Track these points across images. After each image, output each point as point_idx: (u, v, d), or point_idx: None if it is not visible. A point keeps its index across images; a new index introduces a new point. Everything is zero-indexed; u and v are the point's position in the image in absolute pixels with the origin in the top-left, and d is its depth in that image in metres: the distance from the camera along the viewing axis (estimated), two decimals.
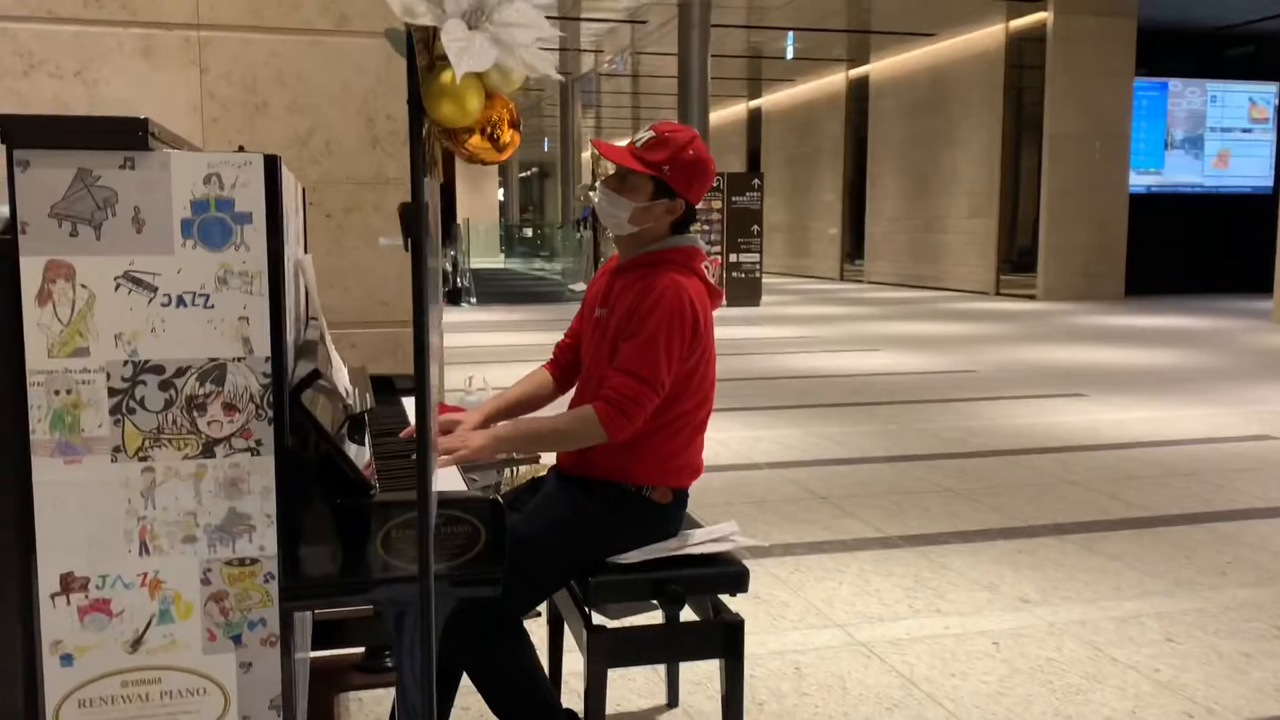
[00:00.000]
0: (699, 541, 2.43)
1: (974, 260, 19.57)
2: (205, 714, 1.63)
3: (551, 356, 2.71)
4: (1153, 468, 5.75)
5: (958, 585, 3.88)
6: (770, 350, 11.08)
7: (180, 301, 1.56)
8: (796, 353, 10.91)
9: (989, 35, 19.03)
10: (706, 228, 16.99)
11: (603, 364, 2.40)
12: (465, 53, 1.11)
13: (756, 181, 17.42)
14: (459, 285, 17.87)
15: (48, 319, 1.52)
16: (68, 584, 1.57)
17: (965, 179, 19.76)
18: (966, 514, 4.83)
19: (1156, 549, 4.31)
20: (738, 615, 2.41)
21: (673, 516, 2.45)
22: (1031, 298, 18.02)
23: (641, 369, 2.28)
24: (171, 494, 1.59)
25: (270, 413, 1.61)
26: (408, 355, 3.76)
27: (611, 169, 2.56)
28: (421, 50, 1.17)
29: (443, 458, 2.16)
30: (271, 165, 1.59)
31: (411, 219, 1.19)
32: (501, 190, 36.92)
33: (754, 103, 29.06)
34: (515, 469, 3.69)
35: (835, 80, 24.69)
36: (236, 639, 1.63)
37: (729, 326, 13.76)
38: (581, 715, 2.41)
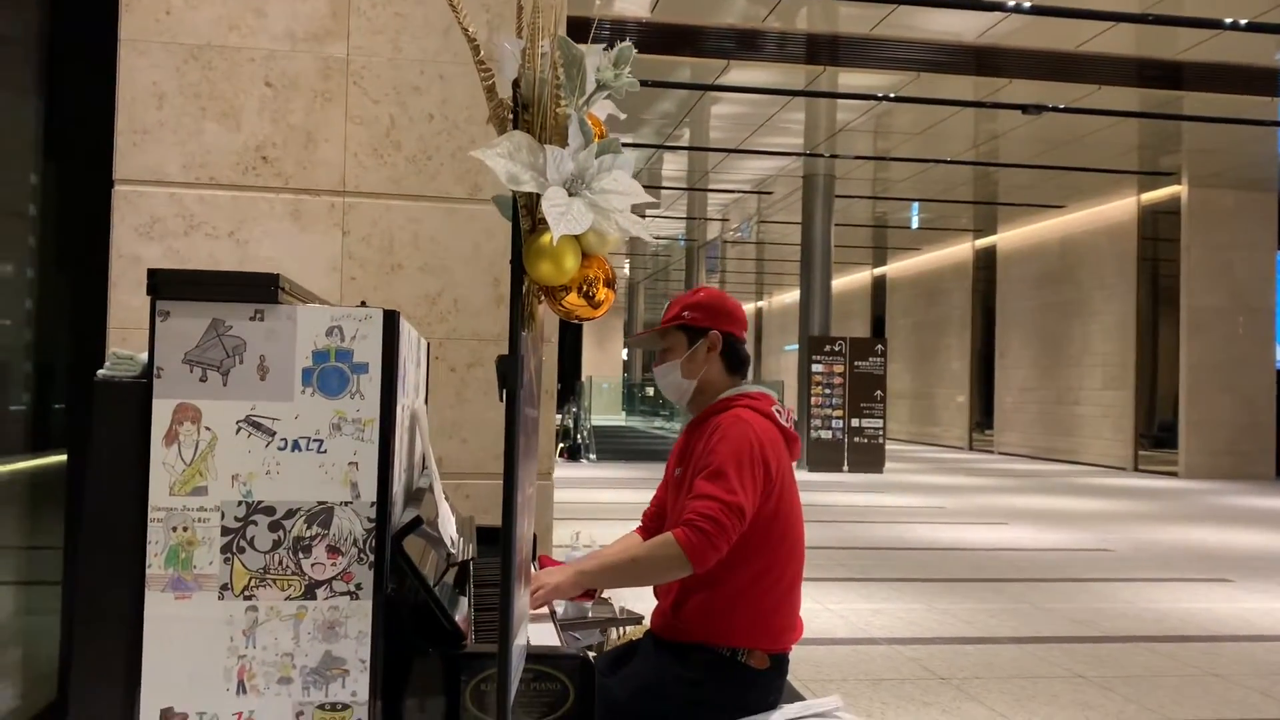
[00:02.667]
0: (801, 715, 2.33)
1: (1109, 434, 18.86)
2: None
3: (640, 524, 2.71)
4: None
5: None
6: (893, 519, 10.79)
7: (295, 446, 1.63)
8: (921, 523, 10.58)
9: (1121, 208, 18.85)
10: (828, 391, 16.91)
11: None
12: (564, 217, 1.18)
13: (880, 346, 17.35)
14: (579, 441, 18.07)
15: (172, 458, 1.61)
16: (167, 718, 1.59)
17: (1099, 350, 19.27)
18: (1099, 703, 4.52)
19: None
20: None
21: (772, 684, 2.36)
22: (1173, 474, 17.17)
23: (716, 491, 2.24)
24: (272, 634, 1.62)
25: (371, 557, 1.64)
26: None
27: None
28: (524, 214, 1.24)
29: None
30: (390, 320, 1.67)
31: (508, 371, 1.24)
32: (625, 349, 37.66)
33: (879, 270, 29.23)
34: (621, 629, 3.64)
35: (962, 249, 24.70)
36: None
37: (850, 493, 13.48)
38: None
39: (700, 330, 2.49)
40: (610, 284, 1.30)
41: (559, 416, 19.33)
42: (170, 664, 1.60)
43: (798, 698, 2.47)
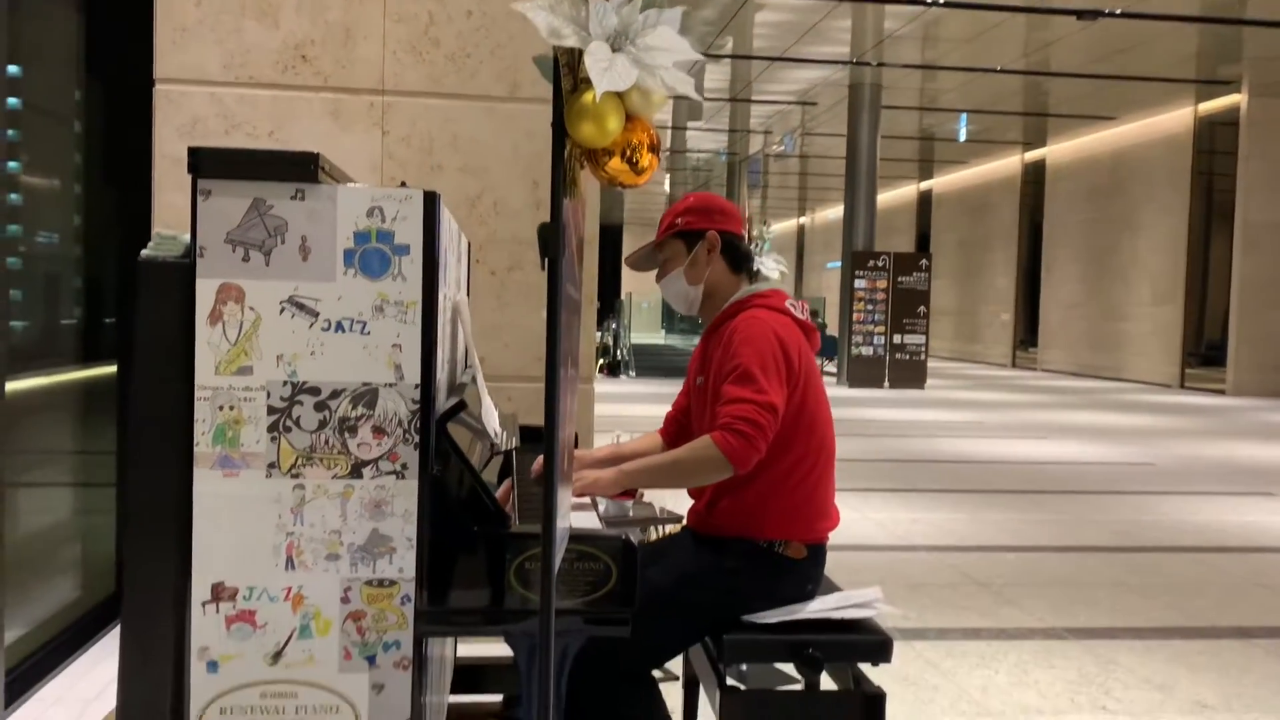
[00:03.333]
0: (839, 605, 2.34)
1: (1156, 351, 18.59)
2: None
3: (662, 427, 2.72)
4: None
5: (1127, 683, 3.61)
6: (934, 434, 10.76)
7: (339, 327, 1.64)
8: (962, 437, 10.54)
9: (1176, 118, 18.29)
10: (870, 307, 16.78)
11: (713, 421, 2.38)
12: (607, 73, 1.14)
13: (924, 262, 17.13)
14: (619, 358, 18.15)
15: (217, 338, 1.62)
16: (218, 593, 1.63)
17: (1148, 266, 18.90)
18: (1140, 610, 4.52)
19: None
20: (879, 687, 2.30)
21: (809, 574, 2.37)
22: (1220, 392, 16.92)
23: (747, 393, 2.23)
24: (319, 512, 1.64)
25: (416, 438, 1.66)
26: None
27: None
28: (566, 73, 1.21)
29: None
30: (430, 201, 1.66)
31: (549, 237, 1.22)
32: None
33: (924, 184, 28.72)
34: (661, 528, 3.68)
35: (1010, 163, 24.18)
36: (371, 660, 1.66)
37: (891, 408, 13.45)
38: None
39: (697, 233, 2.46)
40: (655, 149, 1.27)
41: (599, 334, 19.41)
42: (220, 540, 1.63)
43: (836, 589, 2.48)
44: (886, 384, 16.79)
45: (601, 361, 18.29)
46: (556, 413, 1.31)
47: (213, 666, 1.64)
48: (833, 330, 19.00)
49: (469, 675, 3.04)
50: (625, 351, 18.38)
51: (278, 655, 1.65)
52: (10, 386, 3.29)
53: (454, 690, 2.99)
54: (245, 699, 1.64)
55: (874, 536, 5.82)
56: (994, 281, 24.90)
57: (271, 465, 1.63)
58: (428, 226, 1.65)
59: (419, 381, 1.65)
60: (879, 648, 2.29)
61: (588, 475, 2.26)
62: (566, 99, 1.22)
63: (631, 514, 3.44)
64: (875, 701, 2.27)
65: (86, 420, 3.86)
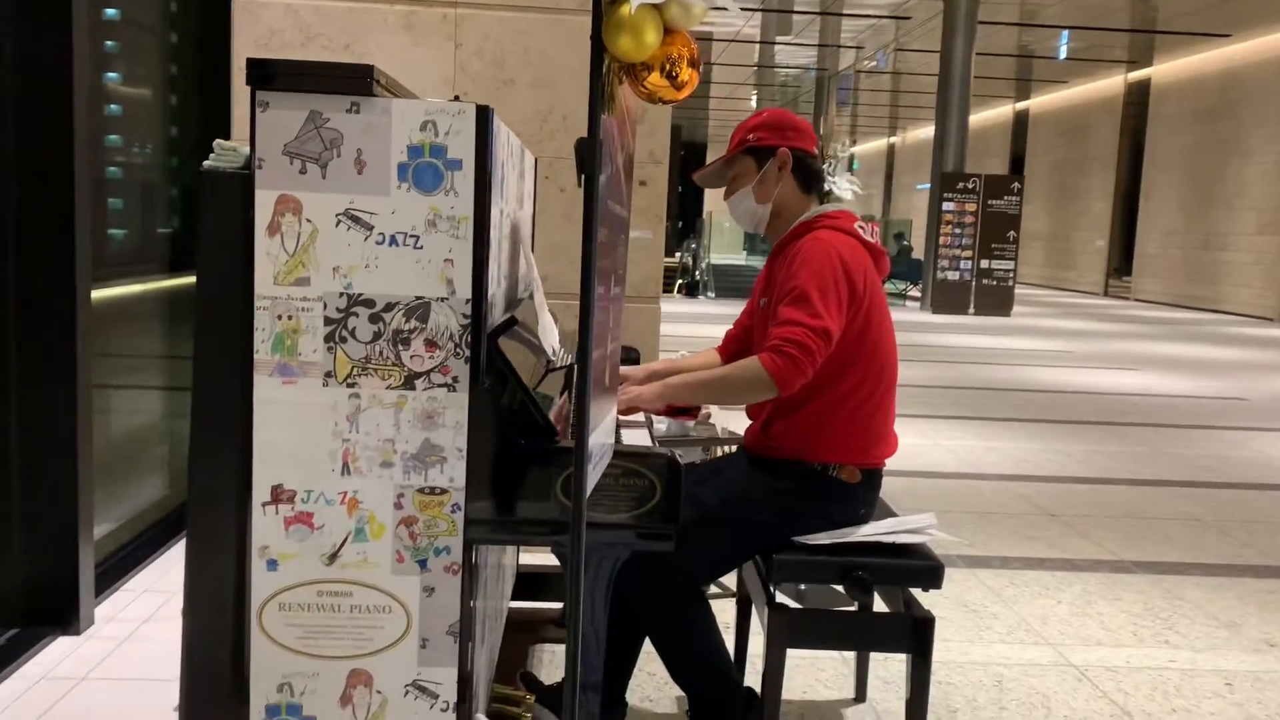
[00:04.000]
0: (892, 530, 2.35)
1: (1258, 282, 17.86)
2: (389, 631, 1.73)
3: (721, 344, 2.71)
4: None
5: (1193, 619, 3.56)
6: (1016, 362, 10.56)
7: (393, 241, 1.66)
8: (1045, 366, 10.33)
9: None
10: (958, 231, 16.39)
11: None
12: None
13: (1016, 185, 16.63)
14: (697, 278, 18.07)
15: (275, 249, 1.66)
16: (277, 495, 1.70)
17: (1254, 194, 18.06)
18: (1213, 546, 4.43)
19: None
20: (929, 612, 2.31)
21: (862, 498, 2.37)
22: None
23: (800, 316, 2.20)
24: (374, 420, 1.69)
25: (468, 352, 1.68)
26: (627, 327, 3.83)
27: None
28: None
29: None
30: (484, 115, 1.66)
31: (587, 154, 1.22)
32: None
33: (1020, 104, 27.72)
34: (722, 448, 3.70)
35: (1112, 83, 23.17)
36: (422, 563, 1.72)
37: (974, 335, 13.21)
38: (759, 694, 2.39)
39: (768, 150, 2.41)
40: (695, 64, 1.25)
41: (679, 254, 19.31)
42: (279, 445, 1.69)
43: (890, 514, 2.48)
44: (971, 310, 16.47)
45: (680, 281, 18.24)
46: (590, 329, 1.32)
47: (272, 565, 1.71)
48: (918, 254, 18.64)
49: (530, 582, 3.13)
50: (704, 272, 18.28)
51: (334, 556, 1.71)
52: (108, 293, 3.43)
53: (516, 596, 3.08)
54: (303, 596, 1.72)
55: (944, 463, 5.77)
56: (1089, 206, 24.08)
57: (328, 374, 1.68)
58: (480, 141, 1.65)
59: (470, 296, 1.67)
60: (930, 573, 2.29)
61: (631, 391, 2.28)
62: (605, 11, 1.20)
63: (693, 433, 3.47)
64: (924, 625, 2.28)
65: (174, 326, 4.01)
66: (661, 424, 3.44)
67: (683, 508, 1.77)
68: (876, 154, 38.35)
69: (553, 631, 3.07)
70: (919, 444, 6.19)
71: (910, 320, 15.05)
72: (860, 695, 2.86)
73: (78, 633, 2.90)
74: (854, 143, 37.52)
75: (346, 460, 1.70)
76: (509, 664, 2.69)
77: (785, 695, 2.75)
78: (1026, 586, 3.82)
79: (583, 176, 1.25)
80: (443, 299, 1.68)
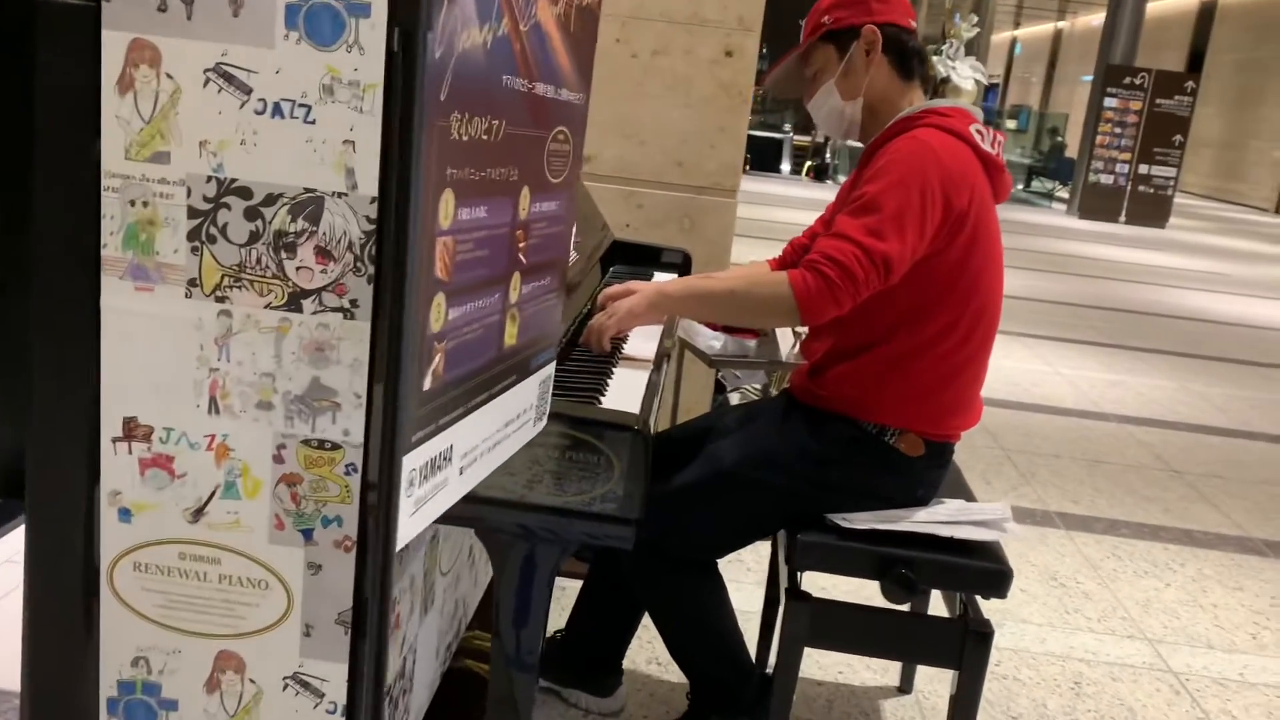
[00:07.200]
0: (953, 518, 1.87)
1: None
2: (265, 611, 1.38)
3: (779, 255, 2.21)
4: None
5: None
6: (1163, 281, 9.62)
7: (277, 110, 1.23)
8: (1196, 289, 9.38)
9: None
10: (1118, 131, 15.06)
11: None
12: None
13: (1190, 84, 15.10)
14: (827, 160, 17.21)
15: (127, 112, 1.25)
16: (130, 430, 1.34)
17: None
18: None
19: None
20: (989, 623, 1.85)
21: (922, 477, 1.89)
22: None
23: (856, 232, 1.69)
24: (248, 347, 1.30)
25: (371, 268, 1.26)
26: (696, 224, 3.36)
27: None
28: None
29: (595, 332, 1.79)
30: None
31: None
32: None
33: None
34: (778, 380, 3.24)
35: None
36: (307, 534, 1.35)
37: (1120, 247, 12.16)
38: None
39: (851, 31, 1.88)
40: None
41: (809, 135, 18.32)
42: (132, 367, 1.32)
43: (961, 493, 2.01)
44: (1123, 218, 15.24)
45: (810, 163, 17.40)
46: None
47: (125, 514, 1.36)
48: (1071, 152, 17.30)
49: None
50: (836, 153, 17.34)
51: (199, 513, 1.35)
52: None
53: None
54: (162, 557, 1.37)
55: (1060, 397, 5.17)
56: (1271, 114, 21.95)
57: (192, 282, 1.28)
58: None
59: (376, 195, 1.24)
60: (993, 579, 1.82)
61: (621, 306, 1.81)
62: None
63: (753, 354, 3.00)
64: (980, 640, 1.83)
65: None
66: (716, 340, 2.98)
67: (644, 494, 1.34)
68: (1041, 39, 35.73)
69: None
70: (1035, 370, 5.58)
71: (1052, 224, 14.00)
72: (906, 686, 2.44)
73: None
74: (1017, 25, 35.04)
75: (214, 395, 1.32)
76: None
77: (818, 676, 2.37)
78: (1131, 560, 3.30)
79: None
80: (340, 194, 1.25)
